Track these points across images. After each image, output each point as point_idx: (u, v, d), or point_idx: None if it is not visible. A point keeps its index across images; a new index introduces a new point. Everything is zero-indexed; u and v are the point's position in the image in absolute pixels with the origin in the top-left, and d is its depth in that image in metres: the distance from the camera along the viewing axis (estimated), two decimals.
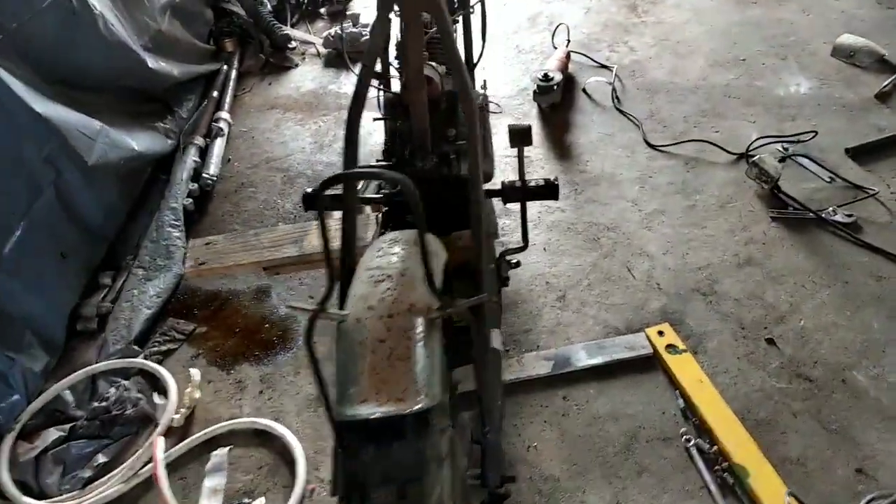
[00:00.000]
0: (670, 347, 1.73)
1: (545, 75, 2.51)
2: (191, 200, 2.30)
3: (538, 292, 1.95)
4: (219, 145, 2.52)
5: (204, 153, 2.48)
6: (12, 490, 1.60)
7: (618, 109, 2.53)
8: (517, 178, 1.61)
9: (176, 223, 2.21)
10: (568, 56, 2.73)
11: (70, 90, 1.95)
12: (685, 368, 1.69)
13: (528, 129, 1.64)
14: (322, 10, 3.40)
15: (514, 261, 1.69)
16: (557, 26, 2.86)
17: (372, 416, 0.85)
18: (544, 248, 2.08)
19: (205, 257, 1.74)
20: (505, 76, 2.78)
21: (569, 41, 2.84)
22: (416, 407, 0.86)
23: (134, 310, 1.99)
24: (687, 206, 2.13)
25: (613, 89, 2.62)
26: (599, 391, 1.69)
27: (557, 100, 2.56)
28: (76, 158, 1.85)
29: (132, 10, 2.29)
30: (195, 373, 1.81)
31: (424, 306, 0.93)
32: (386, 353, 0.89)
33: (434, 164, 1.49)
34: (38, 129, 1.73)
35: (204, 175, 2.37)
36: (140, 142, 2.19)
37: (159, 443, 1.62)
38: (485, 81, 2.55)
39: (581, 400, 1.67)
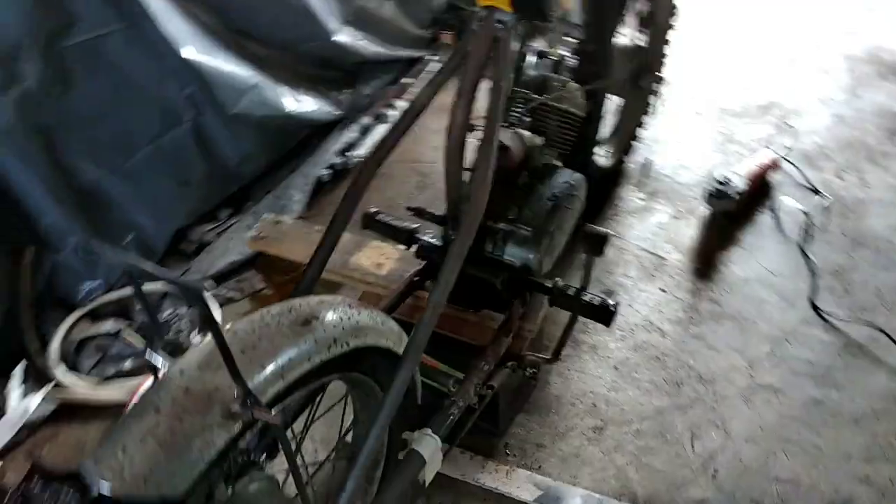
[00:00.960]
0: None
1: (724, 179, 2.15)
2: (329, 172, 2.37)
3: (578, 411, 1.71)
4: (380, 130, 2.56)
5: (365, 133, 2.54)
6: (53, 355, 1.79)
7: (800, 248, 2.09)
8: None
9: (303, 187, 2.31)
10: (775, 164, 2.31)
11: (246, 42, 2.10)
12: None
13: (605, 238, 1.41)
14: None
15: (530, 372, 1.48)
16: (787, 126, 2.44)
17: None
18: (616, 367, 1.81)
19: (267, 233, 1.77)
20: (695, 160, 2.45)
21: (790, 149, 2.41)
22: None
23: (227, 250, 2.11)
24: (812, 399, 1.70)
25: (810, 222, 2.16)
26: None
27: (732, 209, 2.19)
28: (217, 105, 2.00)
29: None
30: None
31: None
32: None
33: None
34: (181, 71, 1.89)
35: (351, 154, 2.43)
36: (300, 105, 2.30)
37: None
38: (648, 160, 2.29)
39: None
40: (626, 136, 2.39)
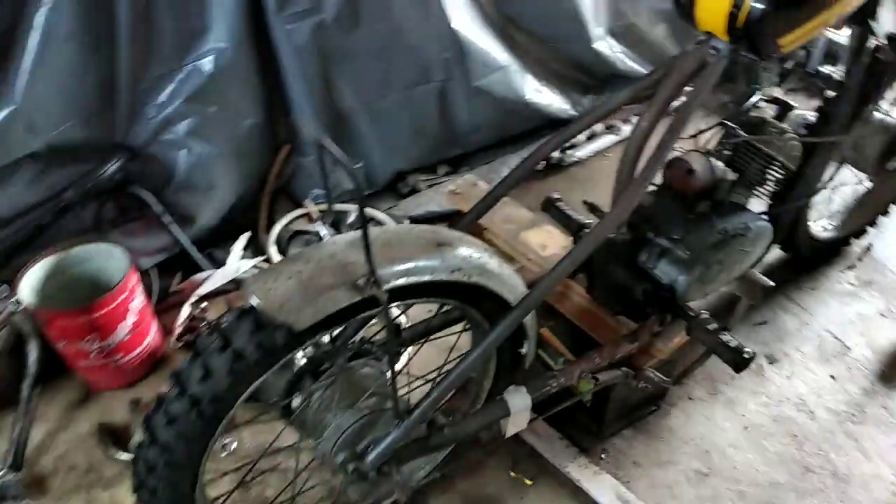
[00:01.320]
0: None
1: None
2: (543, 162, 2.54)
3: (688, 450, 1.69)
4: (606, 140, 2.65)
5: (590, 138, 2.65)
6: (272, 236, 2.16)
7: None
8: None
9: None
10: None
11: (510, 28, 2.33)
12: None
13: (762, 287, 1.41)
14: None
15: (643, 385, 1.51)
16: None
17: None
18: (746, 427, 1.75)
19: (463, 191, 1.96)
20: None
21: None
22: None
23: (430, 200, 2.36)
24: None
25: None
26: None
27: None
28: (464, 74, 2.25)
29: None
30: None
31: None
32: None
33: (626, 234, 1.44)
34: (444, 37, 2.15)
35: (571, 152, 2.57)
36: (539, 96, 2.48)
37: None
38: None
39: None
40: (861, 216, 2.22)
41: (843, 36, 2.72)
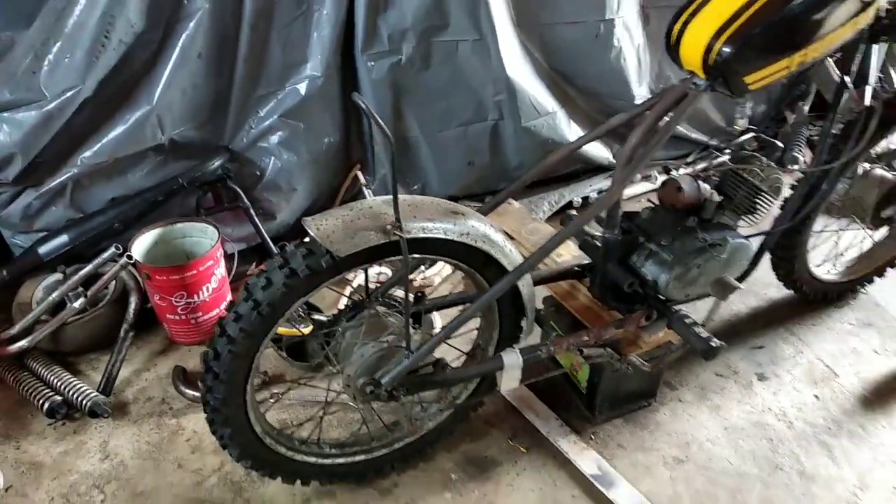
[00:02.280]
0: None
1: None
2: (581, 200, 2.86)
3: (670, 441, 1.91)
4: (642, 186, 2.95)
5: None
6: None
7: None
8: None
9: (552, 203, 2.83)
10: None
11: (561, 81, 2.70)
12: None
13: (731, 287, 1.65)
14: None
15: (625, 368, 1.76)
16: None
17: None
18: (726, 428, 1.95)
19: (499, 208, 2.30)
20: None
21: None
22: None
23: None
24: None
25: None
26: None
27: None
28: (514, 115, 2.61)
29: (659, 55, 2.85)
30: None
31: None
32: None
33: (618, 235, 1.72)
34: (499, 82, 2.53)
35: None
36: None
37: None
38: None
39: None
40: (869, 265, 2.41)
41: None
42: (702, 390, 2.07)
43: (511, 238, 1.94)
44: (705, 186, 1.77)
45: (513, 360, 1.62)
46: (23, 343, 2.05)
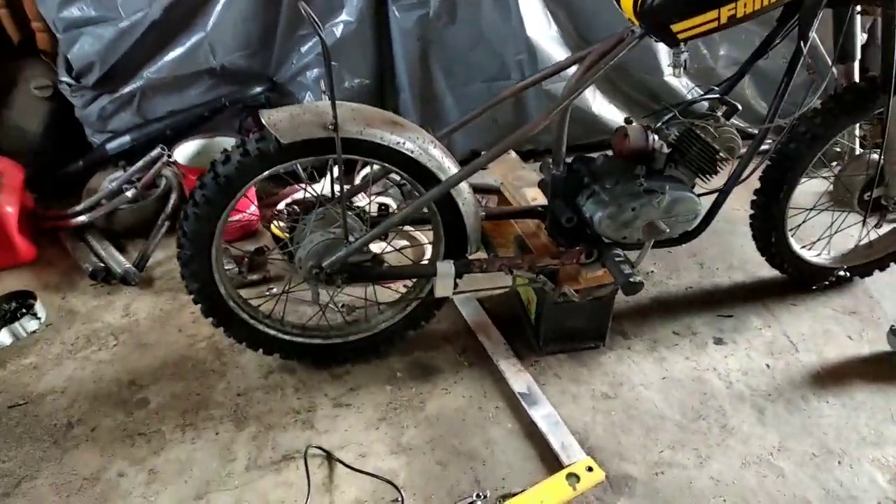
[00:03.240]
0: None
1: None
2: None
3: (605, 380, 2.02)
4: None
5: None
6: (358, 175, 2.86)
7: None
8: None
9: None
10: None
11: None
12: None
13: (660, 230, 1.76)
14: None
15: (560, 296, 1.90)
16: None
17: None
18: (664, 378, 2.04)
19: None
20: None
21: None
22: None
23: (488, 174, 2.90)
24: (800, 498, 1.69)
25: None
26: None
27: None
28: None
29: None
30: None
31: None
32: None
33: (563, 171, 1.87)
34: (520, 42, 2.69)
35: None
36: (605, 111, 2.93)
37: None
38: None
39: None
40: (863, 256, 2.36)
41: None
42: (654, 343, 2.16)
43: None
44: (654, 137, 1.87)
45: (445, 268, 1.82)
46: (83, 218, 2.49)
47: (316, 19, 1.43)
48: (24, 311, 2.17)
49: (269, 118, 1.60)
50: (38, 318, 2.19)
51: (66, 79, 2.55)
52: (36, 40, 2.65)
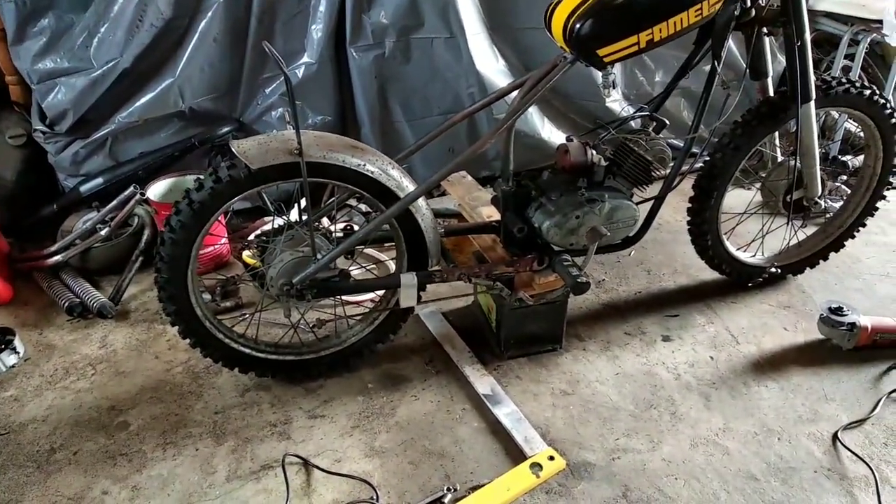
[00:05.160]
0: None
1: (838, 308, 2.23)
2: None
3: (563, 378, 2.16)
4: None
5: None
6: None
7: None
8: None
9: None
10: None
11: None
12: None
13: (600, 234, 1.93)
14: None
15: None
16: None
17: None
18: (617, 373, 2.18)
19: (453, 180, 2.64)
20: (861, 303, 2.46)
21: None
22: None
23: (448, 200, 3.08)
24: (748, 473, 1.84)
25: None
26: None
27: (847, 346, 2.23)
28: (487, 107, 2.96)
29: (635, 66, 3.14)
30: None
31: None
32: None
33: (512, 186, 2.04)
34: (471, 76, 2.90)
35: None
36: (551, 136, 3.13)
37: None
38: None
39: None
40: (795, 255, 2.57)
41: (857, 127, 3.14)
42: (607, 343, 2.32)
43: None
44: (592, 152, 2.06)
45: (408, 279, 1.97)
46: (58, 258, 2.58)
47: (279, 56, 1.60)
48: (2, 346, 2.24)
49: (238, 147, 1.75)
50: (17, 353, 2.26)
51: (40, 127, 2.67)
52: (9, 93, 2.77)
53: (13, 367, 2.25)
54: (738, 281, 2.55)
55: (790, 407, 2.06)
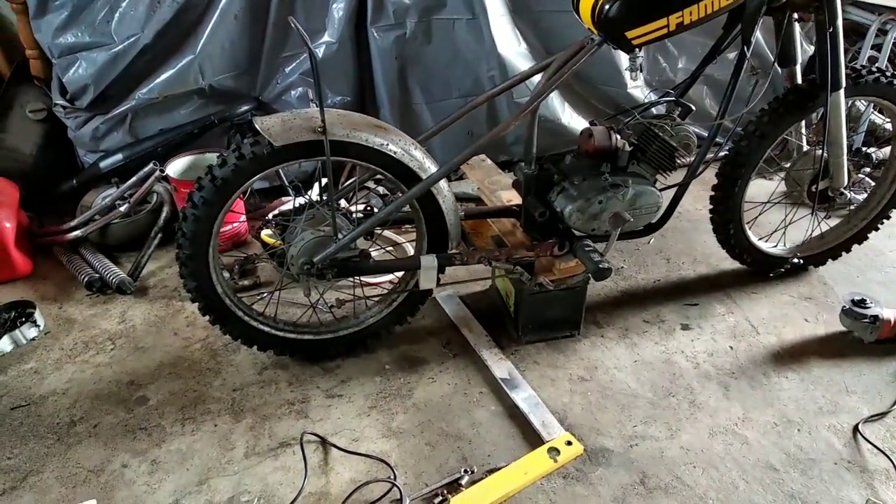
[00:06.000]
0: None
1: (861, 300, 2.20)
2: None
3: (581, 364, 2.16)
4: None
5: None
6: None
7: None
8: None
9: None
10: None
11: None
12: None
13: (623, 219, 1.91)
14: None
15: (536, 285, 2.04)
16: None
17: None
18: (636, 361, 2.17)
19: (473, 163, 2.62)
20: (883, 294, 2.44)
21: None
22: None
23: (471, 184, 3.06)
24: (767, 463, 1.83)
25: None
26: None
27: (870, 339, 2.21)
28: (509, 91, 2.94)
29: (658, 52, 3.10)
30: None
31: None
32: None
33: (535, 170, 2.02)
34: (492, 58, 2.87)
35: None
36: (572, 121, 3.10)
37: None
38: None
39: None
40: (817, 246, 2.54)
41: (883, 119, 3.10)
42: (626, 331, 2.31)
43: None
44: (616, 137, 2.04)
45: (429, 261, 1.96)
46: (77, 233, 2.59)
47: (304, 33, 1.58)
48: (23, 319, 2.26)
49: (262, 124, 1.74)
50: (38, 326, 2.27)
51: (60, 102, 2.67)
52: (30, 67, 2.77)
53: (33, 339, 2.26)
54: (760, 271, 2.53)
55: (810, 398, 2.04)
